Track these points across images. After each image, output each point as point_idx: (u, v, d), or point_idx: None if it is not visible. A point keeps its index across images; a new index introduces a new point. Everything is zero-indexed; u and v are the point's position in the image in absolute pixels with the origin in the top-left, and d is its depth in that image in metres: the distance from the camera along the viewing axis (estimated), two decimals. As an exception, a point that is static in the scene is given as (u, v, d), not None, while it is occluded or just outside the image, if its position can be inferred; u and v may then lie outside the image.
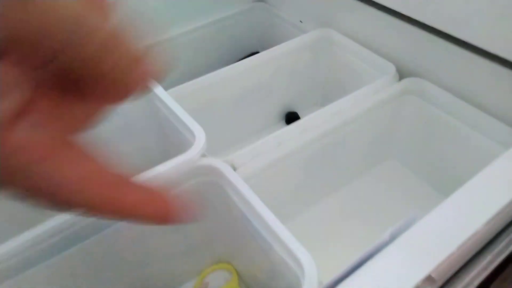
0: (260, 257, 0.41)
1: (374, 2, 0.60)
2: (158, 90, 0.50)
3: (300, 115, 0.73)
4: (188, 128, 0.44)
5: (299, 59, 0.68)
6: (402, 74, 0.59)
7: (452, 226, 0.35)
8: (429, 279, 0.35)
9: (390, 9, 0.58)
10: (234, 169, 0.45)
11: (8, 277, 0.34)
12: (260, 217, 0.37)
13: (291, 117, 0.72)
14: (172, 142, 0.51)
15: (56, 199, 0.16)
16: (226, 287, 0.50)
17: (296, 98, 0.73)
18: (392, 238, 0.32)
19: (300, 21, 0.74)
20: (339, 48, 0.67)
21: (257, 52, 0.84)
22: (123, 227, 0.40)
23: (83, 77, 0.17)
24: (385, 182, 0.64)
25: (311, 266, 0.32)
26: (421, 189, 0.62)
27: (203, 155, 0.43)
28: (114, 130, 0.53)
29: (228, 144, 0.64)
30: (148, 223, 0.20)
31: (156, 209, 0.20)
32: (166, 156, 0.55)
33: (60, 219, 0.36)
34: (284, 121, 0.73)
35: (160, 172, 0.40)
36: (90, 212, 0.18)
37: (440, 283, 0.39)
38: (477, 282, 0.40)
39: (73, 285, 0.41)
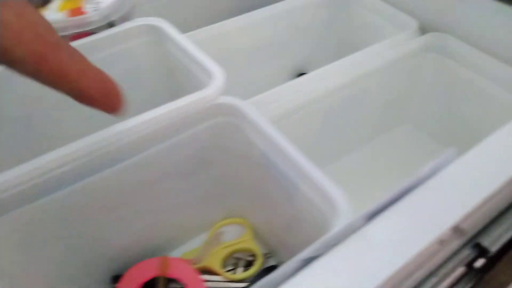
0: (281, 203, 0.39)
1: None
2: (172, 32, 0.47)
3: (312, 75, 0.70)
4: (205, 68, 0.41)
5: (314, 15, 0.65)
6: (425, 32, 0.57)
7: (487, 169, 0.33)
8: (457, 229, 0.33)
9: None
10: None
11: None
12: (286, 155, 0.34)
13: (303, 77, 0.69)
14: (185, 87, 0.48)
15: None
16: (240, 240, 0.47)
17: (309, 57, 0.70)
18: (430, 174, 0.30)
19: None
20: (357, 4, 0.64)
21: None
22: (129, 167, 0.37)
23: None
24: (401, 145, 0.62)
25: (344, 202, 0.30)
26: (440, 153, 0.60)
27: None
28: (122, 74, 0.49)
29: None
30: (90, 101, 0.24)
31: (101, 88, 0.25)
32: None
33: (60, 152, 0.33)
34: (296, 81, 0.70)
35: (175, 108, 0.37)
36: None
37: (470, 234, 0.37)
38: (509, 235, 0.38)
39: (71, 230, 0.38)
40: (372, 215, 0.26)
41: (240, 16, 0.58)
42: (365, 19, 0.64)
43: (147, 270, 0.41)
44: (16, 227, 0.33)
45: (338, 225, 0.29)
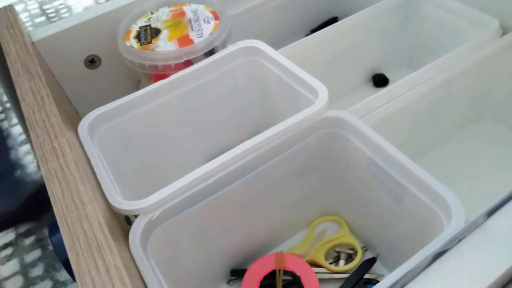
0: (385, 203, 0.43)
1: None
2: (268, 50, 0.52)
3: (387, 76, 0.74)
4: (308, 85, 0.46)
5: (389, 20, 0.68)
6: (505, 30, 0.58)
7: None
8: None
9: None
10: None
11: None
12: (394, 159, 0.39)
13: (379, 79, 0.73)
14: (284, 102, 0.53)
15: None
16: (339, 235, 0.52)
17: (383, 59, 0.74)
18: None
19: (386, -18, 0.74)
20: (432, 6, 0.66)
21: (336, 17, 0.85)
22: (253, 177, 0.43)
23: None
24: (482, 138, 0.64)
25: (457, 204, 0.34)
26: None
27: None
28: (225, 91, 0.56)
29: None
30: None
31: None
32: (273, 116, 0.58)
33: (207, 168, 0.40)
34: (371, 83, 0.74)
35: (292, 124, 0.42)
36: None
37: None
38: None
39: (205, 231, 0.45)
40: (491, 213, 0.30)
41: (321, 31, 0.63)
42: (441, 20, 0.66)
43: (267, 264, 0.47)
44: (171, 228, 0.41)
45: (452, 224, 0.33)
